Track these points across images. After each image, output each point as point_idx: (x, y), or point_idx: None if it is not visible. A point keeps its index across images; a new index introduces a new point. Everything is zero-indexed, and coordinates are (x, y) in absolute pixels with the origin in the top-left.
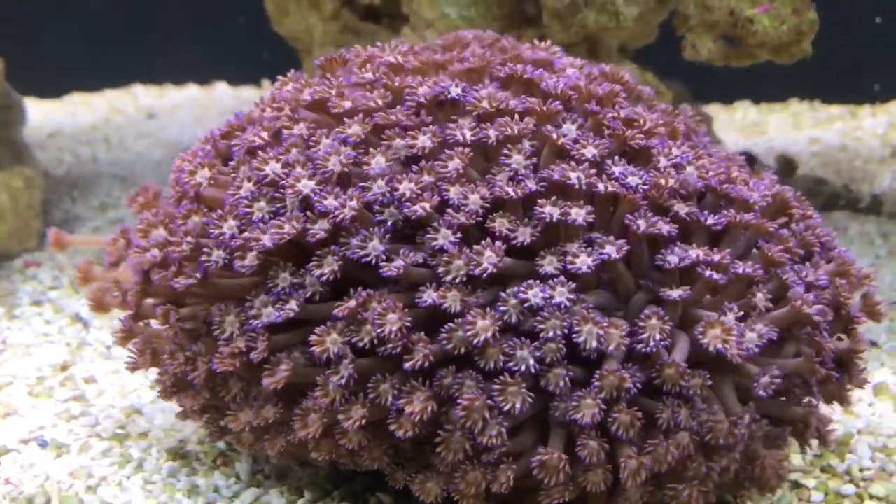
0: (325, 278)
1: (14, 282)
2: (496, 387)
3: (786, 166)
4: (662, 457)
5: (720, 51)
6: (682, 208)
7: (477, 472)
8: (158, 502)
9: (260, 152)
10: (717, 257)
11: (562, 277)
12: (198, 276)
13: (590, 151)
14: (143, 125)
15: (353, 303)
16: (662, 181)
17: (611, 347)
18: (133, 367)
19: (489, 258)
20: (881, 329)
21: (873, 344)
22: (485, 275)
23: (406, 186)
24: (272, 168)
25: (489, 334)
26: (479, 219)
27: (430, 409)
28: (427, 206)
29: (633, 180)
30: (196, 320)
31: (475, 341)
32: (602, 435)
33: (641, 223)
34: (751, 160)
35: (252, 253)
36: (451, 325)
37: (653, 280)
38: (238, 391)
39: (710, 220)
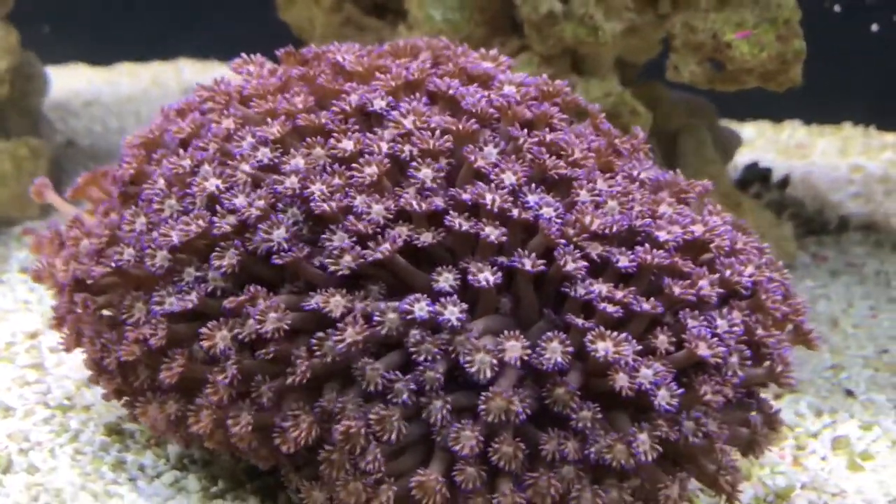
0: (223, 270)
1: (9, 248)
2: (372, 417)
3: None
4: (545, 490)
5: (704, 74)
6: (594, 249)
7: (358, 484)
8: (82, 472)
9: (181, 149)
10: (619, 294)
11: (454, 296)
12: (111, 266)
13: (509, 178)
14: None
15: (242, 297)
16: (587, 220)
17: (510, 356)
18: (67, 349)
19: (383, 248)
20: (862, 377)
21: (849, 393)
22: (370, 259)
23: (317, 187)
24: (185, 165)
25: (352, 341)
26: (379, 230)
27: (314, 432)
28: (334, 205)
29: (546, 212)
30: (112, 308)
31: (339, 348)
32: (485, 462)
33: (568, 259)
34: (762, 176)
35: (162, 252)
36: (321, 333)
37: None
38: (145, 378)
39: (621, 263)
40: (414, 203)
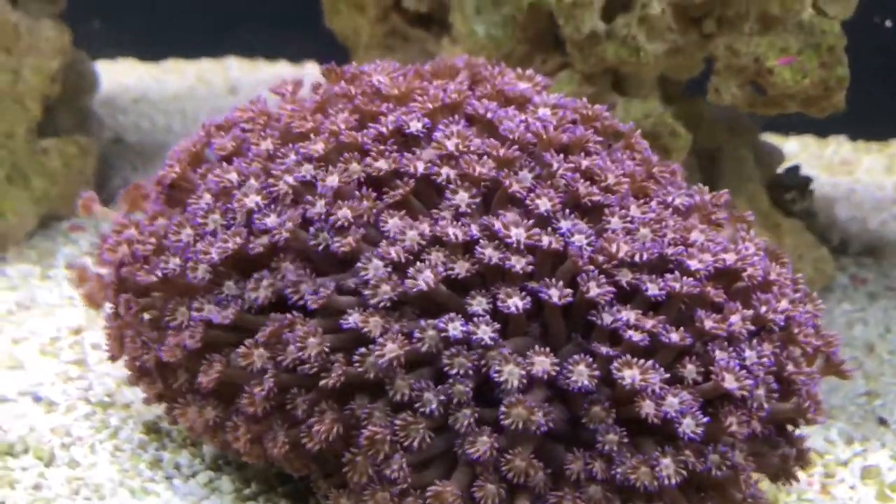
0: (259, 301)
1: (56, 243)
2: (398, 422)
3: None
4: None
5: (745, 97)
6: (625, 276)
7: (386, 493)
8: (121, 468)
9: (224, 163)
10: (648, 323)
11: (487, 317)
12: (158, 274)
13: (544, 204)
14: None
15: (274, 325)
16: (613, 247)
17: (538, 369)
18: (112, 358)
19: (426, 277)
20: None
21: (882, 422)
22: (414, 290)
23: (342, 214)
24: (232, 178)
25: (394, 355)
26: (412, 257)
27: (336, 429)
28: (353, 241)
29: (578, 239)
30: (156, 310)
31: (380, 362)
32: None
33: (593, 285)
34: (801, 183)
35: (203, 265)
36: (363, 349)
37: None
38: (184, 381)
39: (650, 291)
40: (450, 231)
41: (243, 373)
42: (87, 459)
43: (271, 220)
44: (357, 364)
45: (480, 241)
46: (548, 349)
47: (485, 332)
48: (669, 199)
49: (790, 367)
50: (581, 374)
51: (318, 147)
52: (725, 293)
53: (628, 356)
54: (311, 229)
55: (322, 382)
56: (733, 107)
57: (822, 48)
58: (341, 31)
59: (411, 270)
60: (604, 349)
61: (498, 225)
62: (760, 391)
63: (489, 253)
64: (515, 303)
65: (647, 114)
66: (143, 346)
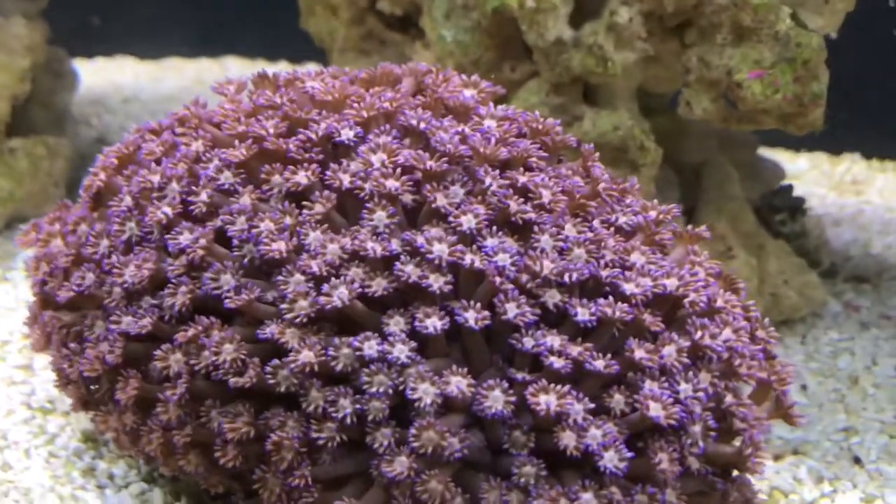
0: (176, 309)
1: (17, 245)
2: (314, 423)
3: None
4: None
5: (719, 111)
6: (552, 297)
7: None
8: (53, 475)
9: (153, 164)
10: (574, 350)
11: (403, 336)
12: (74, 289)
13: (468, 222)
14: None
15: (192, 331)
16: (537, 266)
17: (452, 389)
18: (34, 349)
19: (341, 294)
20: (876, 444)
21: (857, 461)
22: (329, 307)
23: (265, 226)
24: (153, 181)
25: (308, 361)
26: (334, 271)
27: (250, 433)
28: (283, 246)
29: (502, 258)
30: (76, 324)
31: (293, 367)
32: None
33: (511, 307)
34: (790, 205)
35: (117, 289)
36: (277, 361)
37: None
38: (106, 391)
39: (580, 317)
40: (369, 246)
41: (155, 387)
42: (21, 464)
43: (185, 238)
44: (269, 376)
45: (401, 256)
46: (465, 370)
47: (401, 351)
48: (613, 218)
49: (729, 399)
50: (496, 400)
51: (238, 153)
52: (665, 321)
53: (543, 382)
54: (235, 241)
55: (233, 381)
56: (705, 122)
57: (796, 62)
58: (317, 34)
59: (326, 287)
60: (520, 375)
61: (421, 240)
62: (696, 427)
63: (408, 270)
64: (434, 323)
65: (616, 126)
66: (66, 359)
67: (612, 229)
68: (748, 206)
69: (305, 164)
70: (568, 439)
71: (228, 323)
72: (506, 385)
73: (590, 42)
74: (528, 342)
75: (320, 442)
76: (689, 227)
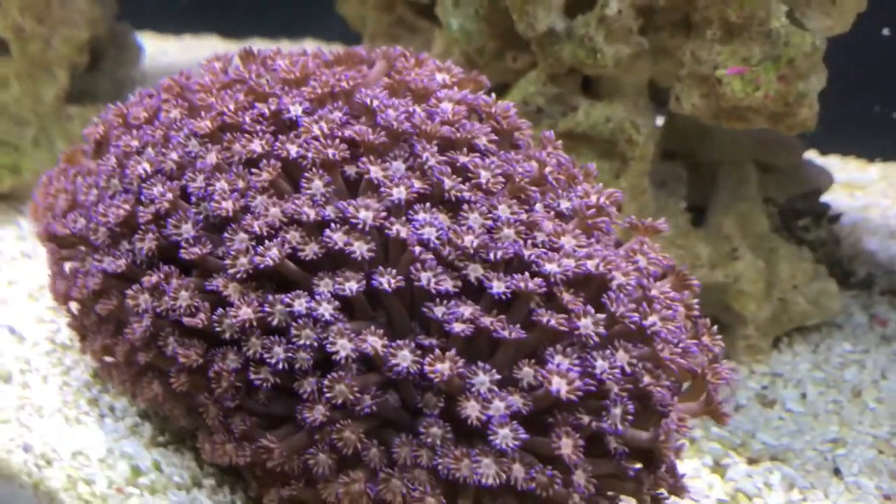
0: (144, 252)
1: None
2: (252, 365)
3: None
4: (397, 489)
5: (709, 108)
6: (475, 271)
7: (230, 446)
8: (64, 399)
9: (134, 130)
10: (486, 321)
11: (329, 296)
12: (69, 229)
13: (399, 193)
14: None
15: (155, 277)
16: (460, 240)
17: (366, 346)
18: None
19: (272, 254)
20: (862, 458)
21: (836, 472)
22: (262, 266)
23: (219, 186)
24: (133, 145)
25: (248, 318)
26: (274, 231)
27: (199, 362)
28: (230, 206)
29: (429, 231)
30: (72, 258)
31: (234, 322)
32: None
33: (424, 276)
34: (815, 211)
35: (102, 229)
36: (221, 310)
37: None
38: (93, 320)
39: (494, 289)
40: (304, 212)
41: (129, 315)
42: (38, 387)
43: (157, 190)
44: (216, 324)
45: (332, 224)
46: (382, 332)
47: (325, 310)
48: (556, 203)
49: (647, 379)
50: (404, 359)
51: (203, 125)
52: (592, 304)
53: (438, 352)
54: (192, 199)
55: (186, 320)
56: (695, 117)
57: (781, 61)
58: (351, 18)
59: (260, 248)
60: (428, 341)
61: (349, 208)
62: (617, 410)
63: (335, 237)
64: (351, 286)
65: (608, 117)
66: (64, 286)
67: (553, 213)
68: (762, 209)
69: (259, 135)
70: (471, 409)
71: (188, 273)
72: (413, 346)
73: (581, 33)
74: (439, 311)
75: (256, 383)
76: (649, 220)
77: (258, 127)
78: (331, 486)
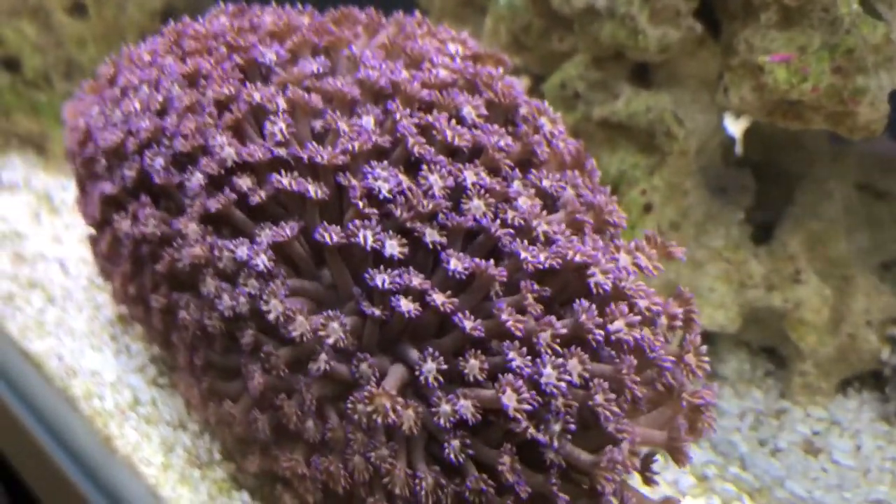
0: (129, 179)
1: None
2: (206, 311)
3: None
4: (336, 475)
5: (759, 102)
6: (431, 236)
7: (194, 390)
8: (90, 329)
9: (138, 69)
10: (438, 298)
11: (265, 244)
12: (84, 155)
13: (351, 145)
14: None
15: (135, 204)
16: (415, 200)
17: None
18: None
19: (219, 200)
20: None
21: None
22: (212, 209)
23: (185, 125)
24: (132, 80)
25: (197, 254)
26: (224, 172)
27: (167, 305)
28: (189, 145)
29: (381, 185)
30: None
31: (185, 259)
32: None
33: (363, 232)
34: None
35: (101, 157)
36: (178, 242)
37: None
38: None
39: (451, 266)
40: (255, 152)
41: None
42: (72, 313)
43: (143, 125)
44: (177, 261)
45: (281, 171)
46: (314, 306)
47: (262, 261)
48: (538, 181)
49: (598, 398)
50: (335, 331)
51: (184, 70)
52: (558, 296)
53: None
54: (167, 134)
55: (157, 266)
56: (742, 113)
57: (837, 50)
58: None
59: (214, 190)
60: (370, 310)
61: (304, 154)
62: (556, 426)
63: (284, 181)
64: (284, 232)
65: (648, 107)
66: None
67: (534, 191)
68: (842, 231)
69: (231, 81)
70: (407, 420)
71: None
72: (343, 318)
73: (622, 12)
74: (379, 279)
75: (210, 330)
76: (673, 243)
77: (234, 74)
78: (277, 458)
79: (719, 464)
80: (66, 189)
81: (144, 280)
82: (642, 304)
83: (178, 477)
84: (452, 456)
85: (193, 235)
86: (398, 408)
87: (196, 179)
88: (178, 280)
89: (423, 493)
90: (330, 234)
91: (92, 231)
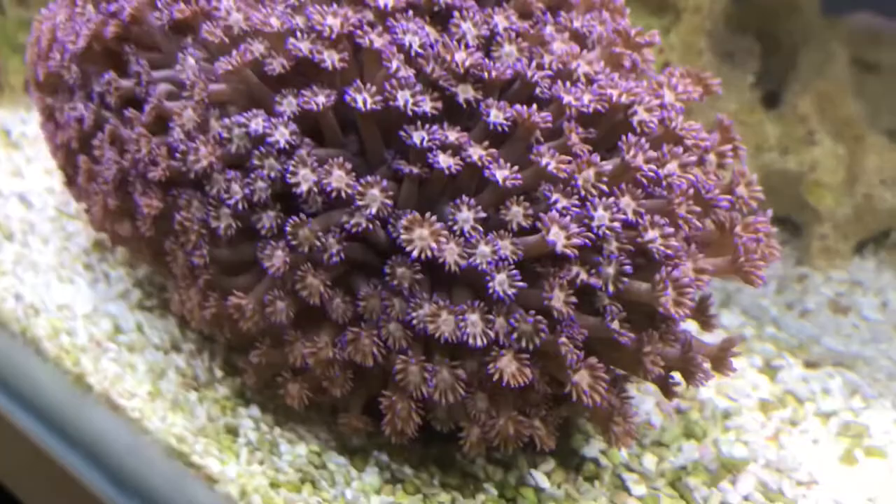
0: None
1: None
2: (211, 209)
3: None
4: (367, 349)
5: None
6: (465, 93)
7: (193, 290)
8: (60, 262)
9: None
10: (474, 152)
11: (287, 117)
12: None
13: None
14: None
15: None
16: (449, 56)
17: (331, 182)
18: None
19: (232, 59)
20: None
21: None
22: (221, 70)
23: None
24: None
25: (207, 162)
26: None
27: (160, 208)
28: (189, 11)
29: (411, 40)
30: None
31: (196, 168)
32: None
33: (402, 94)
34: None
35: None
36: (184, 147)
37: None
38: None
39: (491, 118)
40: (271, 22)
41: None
42: (38, 247)
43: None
44: (179, 162)
45: (297, 33)
46: (350, 166)
47: (282, 135)
48: (572, 24)
49: (649, 234)
50: (374, 199)
51: None
52: (604, 141)
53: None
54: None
55: (150, 175)
56: None
57: None
58: None
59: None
60: (407, 168)
61: (315, 15)
62: (610, 269)
63: (301, 45)
64: (319, 100)
65: None
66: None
67: (567, 34)
68: (848, 91)
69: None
70: (450, 255)
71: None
72: (384, 184)
73: None
74: (417, 136)
75: (218, 231)
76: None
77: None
78: (296, 347)
79: (754, 325)
80: (25, 122)
81: (131, 189)
82: (690, 142)
83: (169, 404)
84: (500, 291)
85: (191, 124)
86: (442, 239)
87: (193, 47)
88: (175, 182)
89: (470, 335)
90: (364, 99)
91: (61, 156)
